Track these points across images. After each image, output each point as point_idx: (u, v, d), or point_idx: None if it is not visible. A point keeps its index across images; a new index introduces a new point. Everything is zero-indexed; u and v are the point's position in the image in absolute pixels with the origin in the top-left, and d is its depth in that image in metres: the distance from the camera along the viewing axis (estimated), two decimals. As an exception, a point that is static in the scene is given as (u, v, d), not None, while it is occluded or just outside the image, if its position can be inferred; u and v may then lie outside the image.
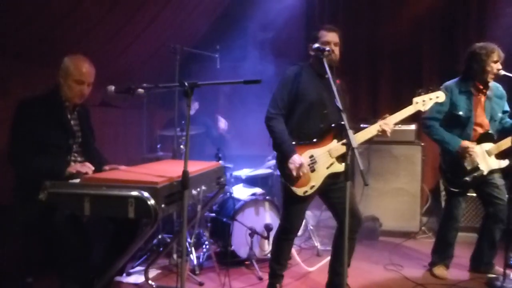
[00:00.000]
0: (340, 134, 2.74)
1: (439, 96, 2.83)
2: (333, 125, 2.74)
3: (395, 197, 4.54)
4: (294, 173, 2.64)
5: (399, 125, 4.61)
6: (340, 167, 2.71)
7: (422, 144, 4.54)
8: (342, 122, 2.40)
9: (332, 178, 2.75)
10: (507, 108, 3.42)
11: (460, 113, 3.28)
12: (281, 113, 2.75)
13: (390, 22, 5.07)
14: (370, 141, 2.79)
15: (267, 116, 2.77)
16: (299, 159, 2.66)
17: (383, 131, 2.70)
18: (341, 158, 2.73)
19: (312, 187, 2.71)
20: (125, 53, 4.12)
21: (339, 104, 2.34)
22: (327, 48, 2.59)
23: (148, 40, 4.16)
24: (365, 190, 4.45)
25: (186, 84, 2.06)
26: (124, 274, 3.25)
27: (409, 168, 4.52)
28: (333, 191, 2.79)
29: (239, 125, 4.85)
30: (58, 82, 2.56)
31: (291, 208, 2.83)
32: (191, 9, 4.34)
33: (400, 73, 5.13)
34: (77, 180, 2.08)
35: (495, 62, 3.18)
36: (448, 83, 3.38)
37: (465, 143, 3.21)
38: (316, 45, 2.67)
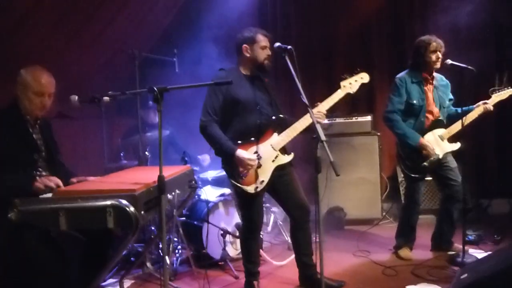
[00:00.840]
0: (279, 127, 2.87)
1: (363, 77, 2.96)
2: (273, 117, 2.87)
3: (357, 187, 4.71)
4: (244, 168, 2.73)
5: (356, 117, 4.83)
6: (285, 159, 2.85)
7: (378, 134, 4.75)
8: (276, 116, 2.66)
9: (280, 170, 2.86)
10: (451, 96, 3.67)
11: (414, 101, 3.47)
12: (212, 119, 2.82)
13: (340, 20, 5.25)
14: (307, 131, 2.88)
15: (200, 125, 2.83)
16: (244, 153, 2.75)
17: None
18: (284, 150, 2.86)
19: (262, 182, 2.80)
20: (80, 61, 4.00)
21: (305, 100, 2.43)
22: (289, 47, 2.67)
23: (103, 46, 4.06)
24: (328, 182, 4.60)
25: (155, 89, 2.05)
26: (97, 288, 3.17)
27: (368, 157, 4.71)
28: (279, 185, 2.90)
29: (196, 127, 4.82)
30: (16, 95, 2.45)
31: (247, 207, 2.91)
32: (146, 13, 4.28)
33: (353, 65, 5.31)
34: (49, 195, 2.02)
35: (433, 52, 3.40)
36: (400, 74, 3.57)
37: (423, 141, 3.40)
38: (277, 44, 2.75)
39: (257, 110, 2.84)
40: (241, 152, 2.74)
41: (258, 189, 2.79)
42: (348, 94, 2.93)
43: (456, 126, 3.46)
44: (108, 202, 1.84)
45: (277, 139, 2.83)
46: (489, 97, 3.49)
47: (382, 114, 3.61)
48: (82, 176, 2.56)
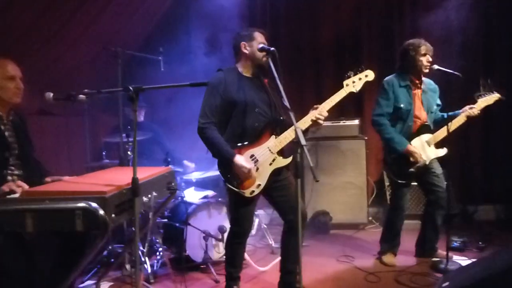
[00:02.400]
0: (276, 129, 2.80)
1: (368, 74, 2.86)
2: (271, 120, 2.80)
3: (343, 191, 4.69)
4: (245, 172, 2.66)
5: (344, 121, 4.80)
6: (283, 162, 2.78)
7: (366, 138, 4.72)
8: (274, 118, 2.65)
9: (276, 175, 2.79)
10: (439, 102, 3.64)
11: (402, 105, 3.42)
12: (211, 121, 2.76)
13: (329, 22, 5.22)
14: (306, 132, 2.81)
15: (198, 127, 2.77)
16: (241, 159, 2.68)
17: (315, 123, 2.72)
18: (282, 153, 2.79)
19: (258, 185, 2.74)
20: (63, 58, 3.92)
21: (286, 103, 2.39)
22: (272, 48, 2.62)
23: (87, 44, 3.98)
24: (314, 186, 4.57)
25: (130, 88, 2.00)
26: (74, 290, 3.10)
27: (355, 162, 4.69)
28: (276, 189, 2.83)
29: (182, 128, 4.77)
30: None
31: (239, 211, 2.84)
32: (132, 12, 4.21)
33: (342, 70, 5.27)
34: (17, 195, 1.95)
35: (423, 55, 3.36)
36: (388, 77, 3.53)
37: (410, 147, 3.35)
38: (261, 45, 2.71)
39: (255, 112, 2.78)
40: (239, 158, 2.68)
41: (255, 193, 2.73)
42: (351, 93, 2.84)
43: (443, 132, 3.43)
44: (77, 205, 1.77)
45: (275, 142, 2.76)
46: (475, 102, 3.47)
47: (371, 118, 3.56)
48: (57, 176, 2.50)
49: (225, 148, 2.71)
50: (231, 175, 2.72)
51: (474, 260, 3.27)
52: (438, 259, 3.47)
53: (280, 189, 2.83)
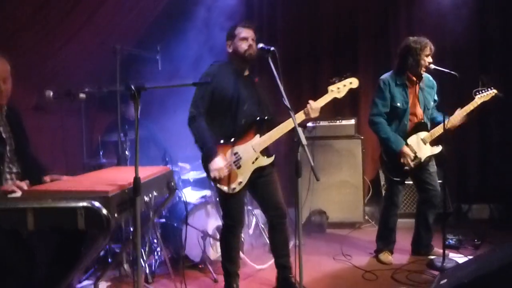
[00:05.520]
0: (262, 128, 2.84)
1: (352, 81, 2.87)
2: (257, 119, 2.83)
3: (339, 190, 4.71)
4: (216, 176, 2.71)
5: (340, 120, 4.82)
6: (265, 161, 2.84)
7: (362, 137, 4.75)
8: (260, 117, 2.75)
9: (260, 171, 2.85)
10: (436, 97, 3.64)
11: (398, 104, 3.44)
12: (200, 112, 2.80)
13: (326, 22, 5.23)
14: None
15: (189, 116, 2.81)
16: (219, 161, 2.72)
17: (308, 114, 2.77)
18: (265, 152, 2.84)
19: (239, 183, 2.79)
20: (59, 54, 3.87)
21: (287, 103, 2.39)
22: (272, 48, 2.62)
23: (84, 40, 3.94)
24: (310, 185, 4.58)
25: (132, 87, 1.99)
26: (71, 290, 3.08)
27: (351, 161, 4.71)
28: (259, 185, 2.89)
29: (179, 127, 4.75)
30: None
31: (227, 205, 2.89)
32: (129, 8, 4.19)
33: (339, 69, 5.27)
34: (19, 194, 1.94)
35: (428, 55, 3.38)
36: (384, 76, 3.54)
37: (405, 149, 3.38)
38: (261, 45, 2.71)
39: (243, 109, 2.82)
40: (217, 160, 2.72)
41: (235, 190, 2.78)
42: (335, 99, 2.88)
43: (438, 129, 3.45)
44: (80, 203, 1.76)
45: (259, 141, 2.81)
46: (472, 99, 3.47)
47: (368, 118, 3.58)
48: (56, 175, 2.46)
49: (209, 145, 2.75)
50: None
51: (470, 257, 3.30)
52: (434, 256, 3.50)
53: (263, 185, 2.90)
